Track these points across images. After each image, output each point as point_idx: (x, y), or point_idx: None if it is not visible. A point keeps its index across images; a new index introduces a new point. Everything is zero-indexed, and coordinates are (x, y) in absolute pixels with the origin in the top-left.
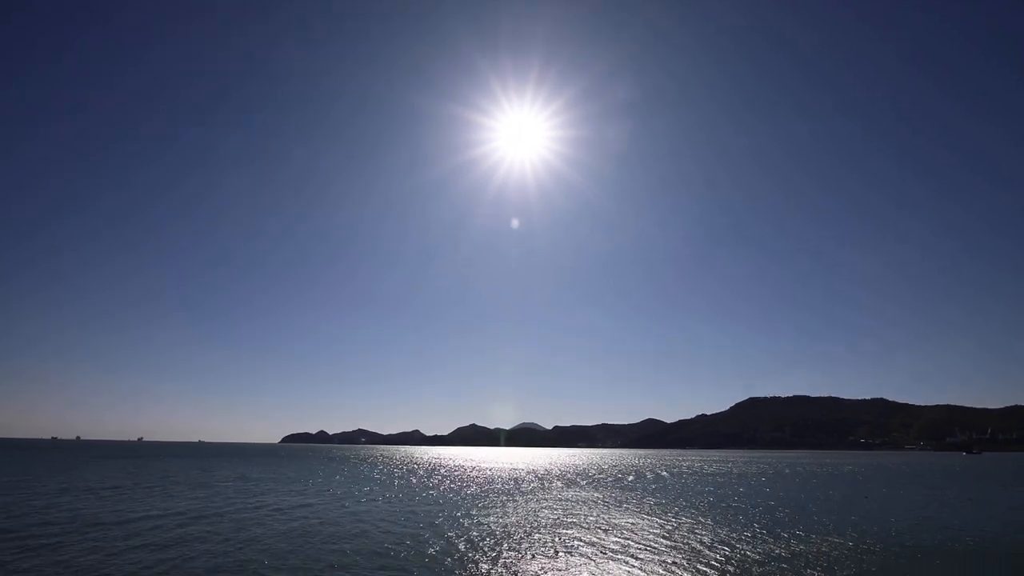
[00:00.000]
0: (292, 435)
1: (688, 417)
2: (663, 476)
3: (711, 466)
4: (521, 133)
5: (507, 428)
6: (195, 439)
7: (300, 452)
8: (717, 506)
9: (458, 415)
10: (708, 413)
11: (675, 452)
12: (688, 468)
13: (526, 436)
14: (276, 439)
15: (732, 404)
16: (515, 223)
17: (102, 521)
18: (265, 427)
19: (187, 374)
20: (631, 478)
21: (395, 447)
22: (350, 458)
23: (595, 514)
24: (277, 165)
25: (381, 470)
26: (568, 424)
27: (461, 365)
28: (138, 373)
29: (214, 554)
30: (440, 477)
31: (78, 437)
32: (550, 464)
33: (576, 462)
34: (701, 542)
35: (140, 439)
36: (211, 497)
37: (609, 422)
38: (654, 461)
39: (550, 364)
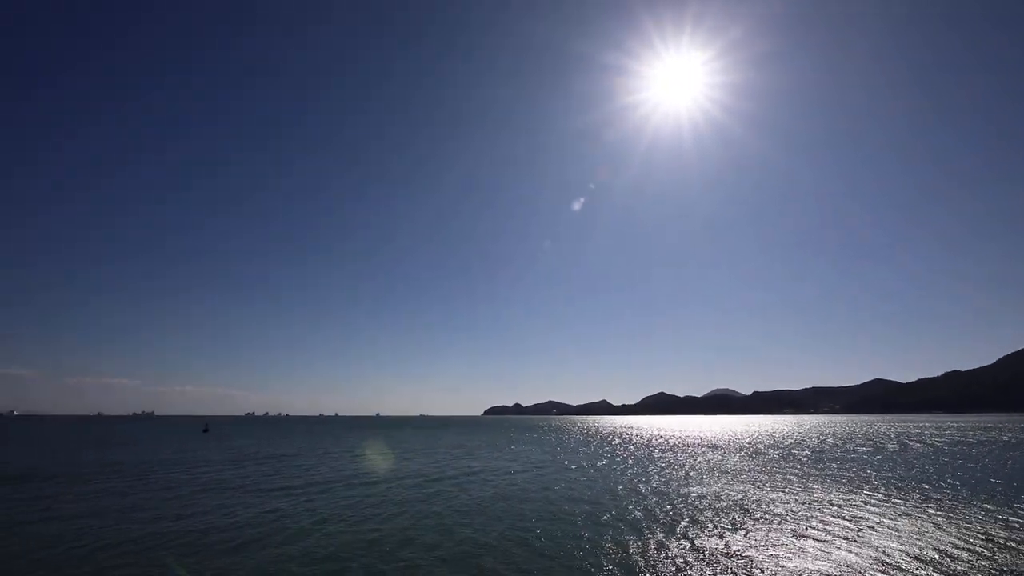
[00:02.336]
0: (492, 408)
1: (933, 375)
2: (912, 448)
3: (976, 434)
4: (676, 79)
5: (698, 395)
6: (416, 413)
7: (500, 423)
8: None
9: (645, 384)
10: (962, 369)
11: (918, 417)
12: (949, 438)
13: (720, 403)
14: (479, 411)
15: (999, 357)
16: (668, 175)
17: (375, 478)
18: (470, 401)
19: (408, 359)
20: (864, 449)
21: (584, 417)
22: (542, 427)
23: (806, 491)
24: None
25: (569, 438)
26: (769, 389)
27: (647, 333)
28: (375, 364)
29: (429, 515)
30: (625, 445)
31: (325, 413)
32: (751, 432)
33: (786, 429)
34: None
35: (377, 414)
36: (438, 462)
37: (822, 384)
38: (891, 428)
39: (745, 325)
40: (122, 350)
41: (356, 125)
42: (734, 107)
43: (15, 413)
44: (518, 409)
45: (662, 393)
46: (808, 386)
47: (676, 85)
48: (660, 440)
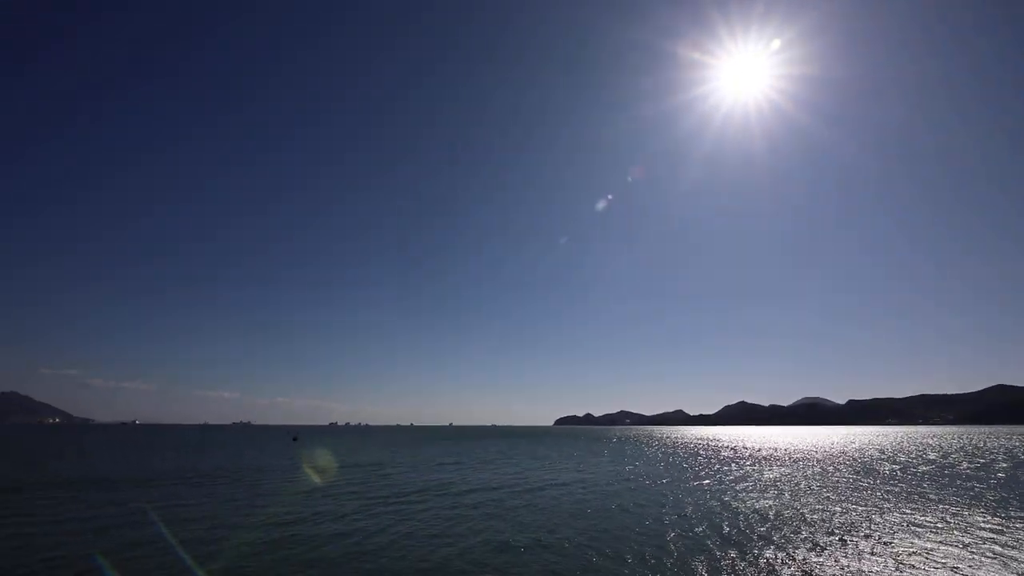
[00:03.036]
0: (563, 418)
1: None
2: None
3: None
4: (743, 71)
5: (785, 405)
6: (488, 423)
7: (572, 433)
8: None
9: (725, 393)
10: None
11: None
12: None
13: (810, 413)
14: (550, 421)
15: None
16: (744, 174)
17: (474, 487)
18: (541, 411)
19: (484, 370)
20: (1005, 465)
21: (658, 427)
22: (617, 438)
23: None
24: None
25: (642, 449)
26: (866, 397)
27: (725, 338)
28: (449, 375)
29: (493, 521)
30: (700, 457)
31: (402, 423)
32: (854, 444)
33: (896, 442)
34: None
35: (451, 424)
36: (520, 472)
37: (930, 392)
38: None
39: (836, 328)
40: (224, 365)
41: (431, 134)
42: (808, 100)
43: (137, 422)
44: (589, 419)
45: (743, 403)
46: (914, 394)
47: (743, 77)
48: (747, 452)
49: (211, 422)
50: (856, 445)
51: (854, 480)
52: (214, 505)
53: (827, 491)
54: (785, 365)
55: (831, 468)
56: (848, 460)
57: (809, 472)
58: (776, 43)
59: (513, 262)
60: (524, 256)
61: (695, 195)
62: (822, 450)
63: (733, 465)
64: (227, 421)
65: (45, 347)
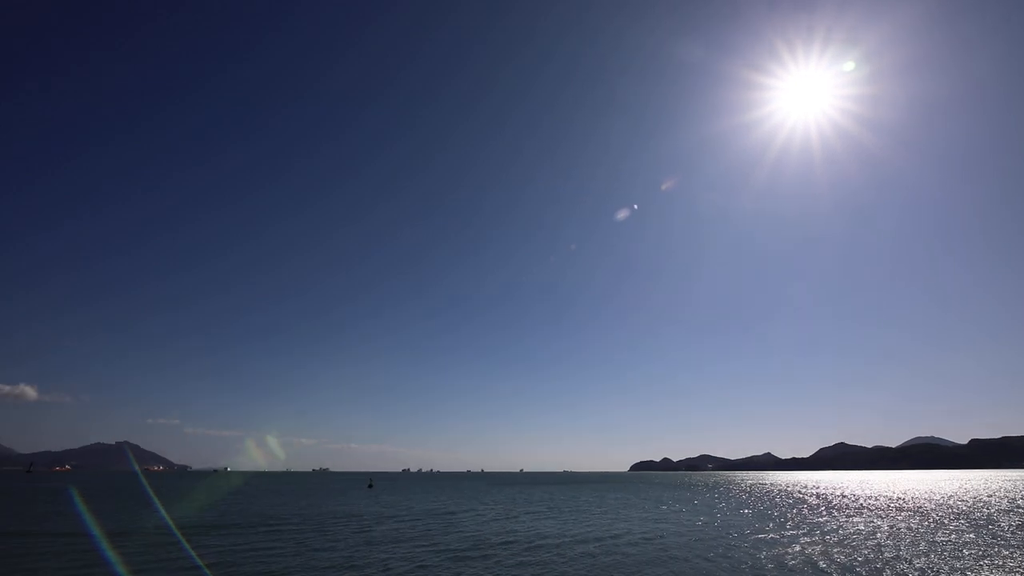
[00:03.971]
0: (639, 463)
1: None
2: None
3: None
4: (804, 92)
5: (892, 446)
6: (560, 469)
7: (649, 480)
8: None
9: (821, 433)
10: None
11: None
12: None
13: (923, 455)
14: (624, 467)
15: None
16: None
17: (579, 538)
18: (615, 455)
19: (554, 414)
20: None
21: (744, 473)
22: (702, 484)
23: None
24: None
25: (729, 497)
26: (993, 436)
27: (819, 373)
28: (518, 420)
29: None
30: (800, 507)
31: (472, 469)
32: (973, 493)
33: None
34: None
35: (521, 470)
36: (596, 520)
37: None
38: None
39: (954, 356)
40: (302, 415)
41: (481, 165)
42: (873, 119)
43: (228, 469)
44: (667, 464)
45: (843, 444)
46: None
47: (805, 98)
48: (845, 501)
49: (292, 468)
50: (980, 493)
51: (975, 539)
52: (342, 550)
53: (944, 553)
54: (891, 400)
55: (949, 522)
56: (969, 512)
57: (921, 526)
58: (850, 65)
59: (579, 298)
60: (590, 292)
61: (756, 215)
62: (937, 500)
63: (828, 515)
64: (307, 467)
65: (151, 400)
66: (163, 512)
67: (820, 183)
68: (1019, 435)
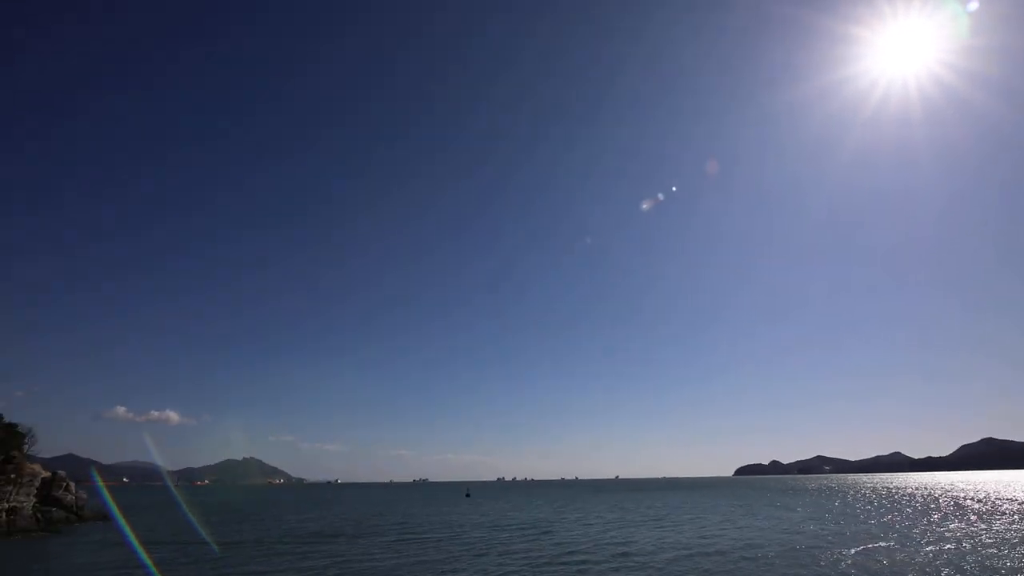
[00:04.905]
0: (744, 467)
1: None
2: None
3: None
4: (906, 43)
5: None
6: (659, 475)
7: (760, 485)
8: None
9: (961, 427)
10: None
11: None
12: None
13: None
14: (729, 471)
15: None
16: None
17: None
18: (718, 458)
19: (650, 416)
20: None
21: (869, 476)
22: (807, 489)
23: None
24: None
25: (853, 504)
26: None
27: (955, 354)
28: (615, 426)
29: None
30: (949, 519)
31: (567, 477)
32: None
33: None
34: None
35: (616, 477)
36: (702, 527)
37: None
38: None
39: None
40: (402, 427)
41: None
42: (984, 75)
43: (338, 481)
44: (776, 467)
45: (990, 439)
46: None
47: (905, 51)
48: (1004, 505)
49: (395, 479)
50: None
51: None
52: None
53: None
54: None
55: None
56: None
57: None
58: (973, 4)
59: (686, 285)
60: (686, 288)
61: (849, 189)
62: None
63: (981, 523)
64: (408, 478)
65: (271, 420)
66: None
67: (922, 150)
68: None
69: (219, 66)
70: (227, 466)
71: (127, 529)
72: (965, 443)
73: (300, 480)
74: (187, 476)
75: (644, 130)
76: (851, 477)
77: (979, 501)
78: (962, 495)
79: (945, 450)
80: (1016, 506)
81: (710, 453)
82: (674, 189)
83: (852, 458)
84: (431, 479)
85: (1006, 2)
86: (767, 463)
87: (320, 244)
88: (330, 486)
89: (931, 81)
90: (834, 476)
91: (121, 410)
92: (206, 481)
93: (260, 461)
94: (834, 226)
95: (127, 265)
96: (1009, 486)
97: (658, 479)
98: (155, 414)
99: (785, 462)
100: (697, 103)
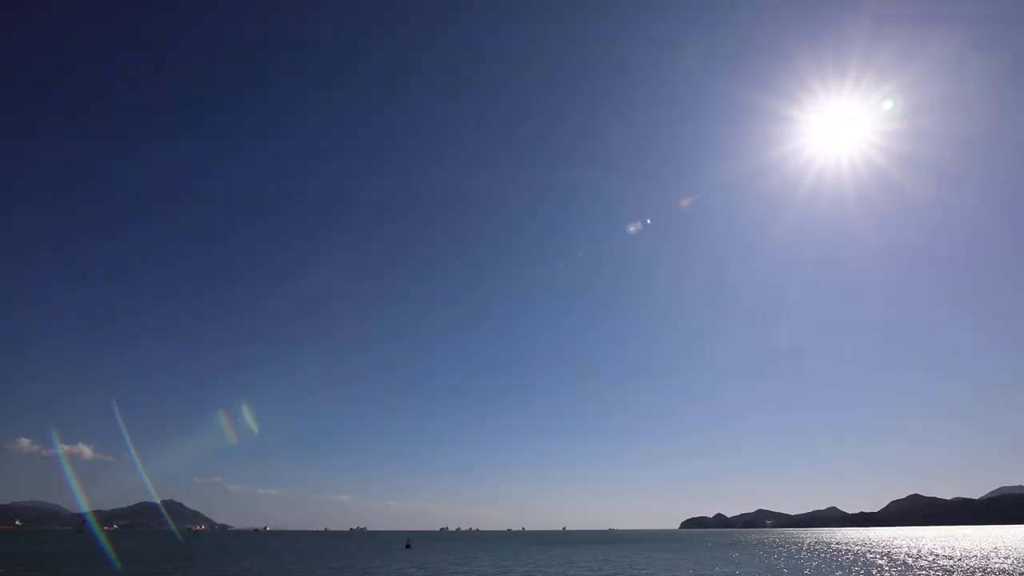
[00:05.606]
0: (690, 520)
1: None
2: None
3: None
4: (837, 126)
5: (975, 497)
6: (605, 527)
7: (705, 539)
8: None
9: (891, 484)
10: None
11: None
12: None
13: (1016, 506)
14: (675, 524)
15: None
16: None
17: None
18: (664, 511)
19: (596, 466)
20: None
21: (805, 530)
22: (750, 543)
23: None
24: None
25: (792, 560)
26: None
27: (891, 411)
28: (561, 477)
29: None
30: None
31: (513, 528)
32: None
33: None
34: None
35: (564, 528)
36: None
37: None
38: None
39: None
40: (341, 469)
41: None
42: (912, 155)
43: (267, 528)
44: (721, 521)
45: (916, 496)
46: None
47: (837, 133)
48: (924, 563)
49: (331, 527)
50: None
51: None
52: None
53: None
54: (972, 447)
55: None
56: None
57: None
58: (888, 103)
59: (624, 340)
60: (637, 336)
61: (784, 260)
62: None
63: None
64: (345, 526)
65: (196, 459)
66: None
67: (854, 222)
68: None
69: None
70: (143, 509)
71: None
72: (895, 499)
73: (224, 527)
74: (99, 519)
75: (596, 196)
76: (791, 531)
77: (914, 556)
78: (895, 551)
79: (876, 505)
80: (944, 563)
81: (657, 506)
82: (637, 234)
83: (792, 512)
84: (370, 527)
85: (923, 91)
86: (712, 516)
87: (260, 269)
88: (257, 534)
89: (862, 160)
90: (776, 530)
91: (25, 443)
92: (116, 526)
93: (181, 504)
94: (778, 288)
95: (46, 284)
96: (940, 543)
97: (606, 531)
98: (65, 448)
99: (729, 515)
100: (650, 179)
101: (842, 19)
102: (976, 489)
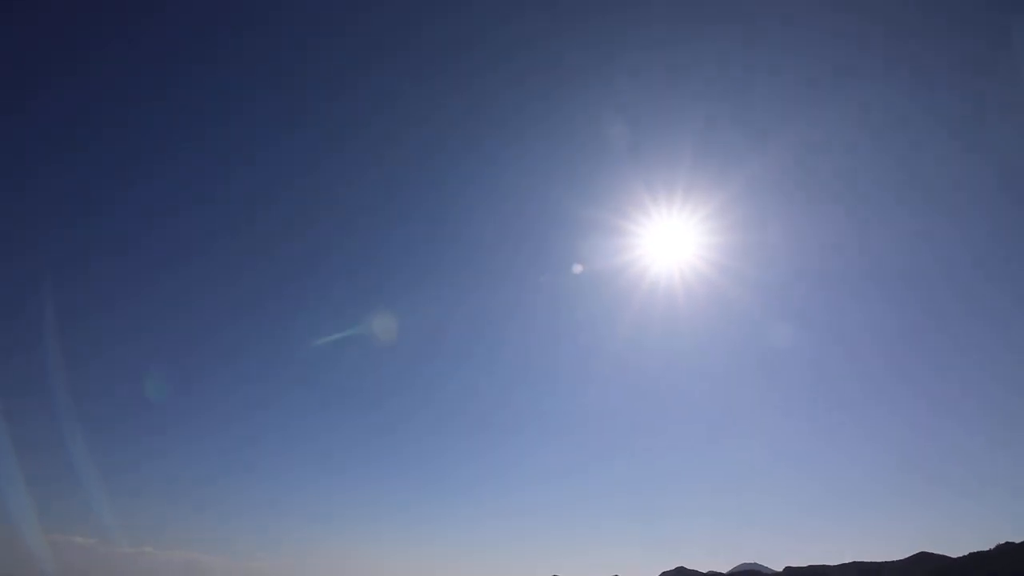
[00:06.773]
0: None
1: (985, 548)
2: None
3: None
4: (669, 239)
5: (723, 572)
6: None
7: None
8: None
9: (659, 556)
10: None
11: None
12: None
13: None
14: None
15: None
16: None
17: None
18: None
19: (585, 516)
20: None
21: None
22: None
23: None
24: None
25: None
26: (803, 564)
27: (653, 495)
28: (546, 521)
29: None
30: None
31: None
32: None
33: None
34: None
35: None
36: None
37: (864, 559)
38: None
39: (765, 489)
40: (262, 523)
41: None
42: (729, 266)
43: None
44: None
45: (682, 569)
46: (847, 560)
47: (670, 245)
48: None
49: None
50: None
51: None
52: None
53: None
54: (724, 525)
55: None
56: None
57: None
58: (699, 214)
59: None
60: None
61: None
62: None
63: None
64: None
65: (61, 509)
66: None
67: (683, 331)
68: (821, 564)
69: None
70: None
71: None
72: (663, 571)
73: None
74: None
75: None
76: None
77: None
78: None
79: None
80: None
81: (639, 556)
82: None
83: (794, 563)
84: None
85: (736, 212)
86: (705, 572)
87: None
88: None
89: (689, 270)
90: None
91: None
92: None
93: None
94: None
95: None
96: None
97: None
98: None
99: (724, 571)
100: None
101: (669, 135)
102: (726, 563)
